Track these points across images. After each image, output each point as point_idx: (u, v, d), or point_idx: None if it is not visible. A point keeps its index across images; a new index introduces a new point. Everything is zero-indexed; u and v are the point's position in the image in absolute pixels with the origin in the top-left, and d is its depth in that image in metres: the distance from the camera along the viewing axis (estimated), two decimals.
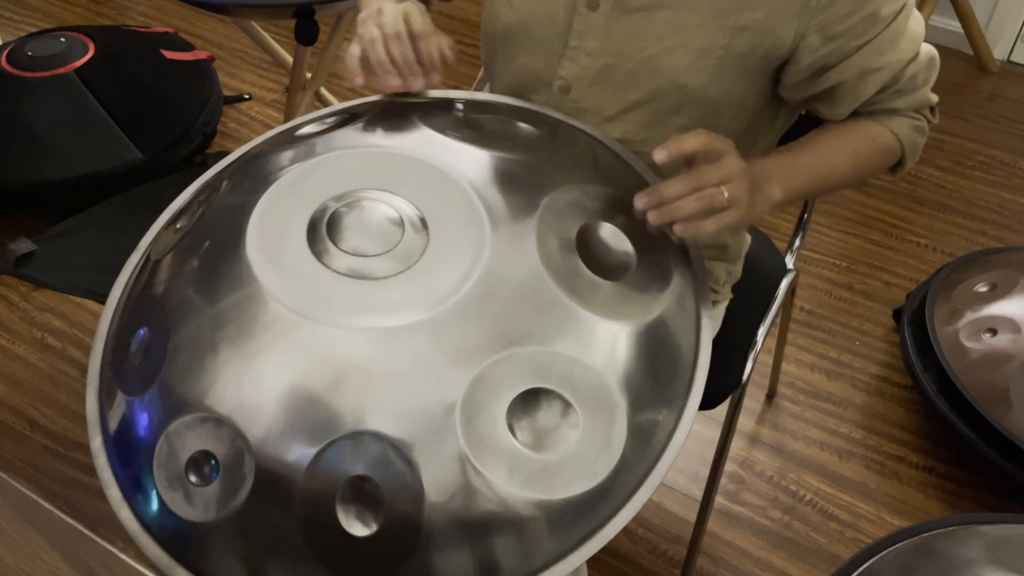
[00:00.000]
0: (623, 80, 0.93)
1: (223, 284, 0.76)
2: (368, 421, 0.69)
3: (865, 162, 0.97)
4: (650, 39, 0.90)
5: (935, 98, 0.99)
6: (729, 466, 1.61)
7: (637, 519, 1.52)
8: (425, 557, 0.69)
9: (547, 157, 0.88)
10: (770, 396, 1.74)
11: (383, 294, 0.74)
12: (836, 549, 1.49)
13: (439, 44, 0.92)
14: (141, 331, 0.79)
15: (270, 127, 0.95)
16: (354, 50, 0.91)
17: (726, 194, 0.80)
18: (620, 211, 0.84)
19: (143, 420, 0.76)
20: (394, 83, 0.91)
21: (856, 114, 0.97)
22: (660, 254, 0.83)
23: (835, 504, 1.56)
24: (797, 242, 1.38)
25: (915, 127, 0.98)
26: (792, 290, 1.38)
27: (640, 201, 0.80)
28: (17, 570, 0.74)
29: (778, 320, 1.54)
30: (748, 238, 1.20)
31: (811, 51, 0.89)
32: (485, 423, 0.70)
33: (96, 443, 0.80)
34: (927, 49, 0.95)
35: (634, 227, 0.83)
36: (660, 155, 0.80)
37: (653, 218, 0.80)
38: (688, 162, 0.84)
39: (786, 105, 1.00)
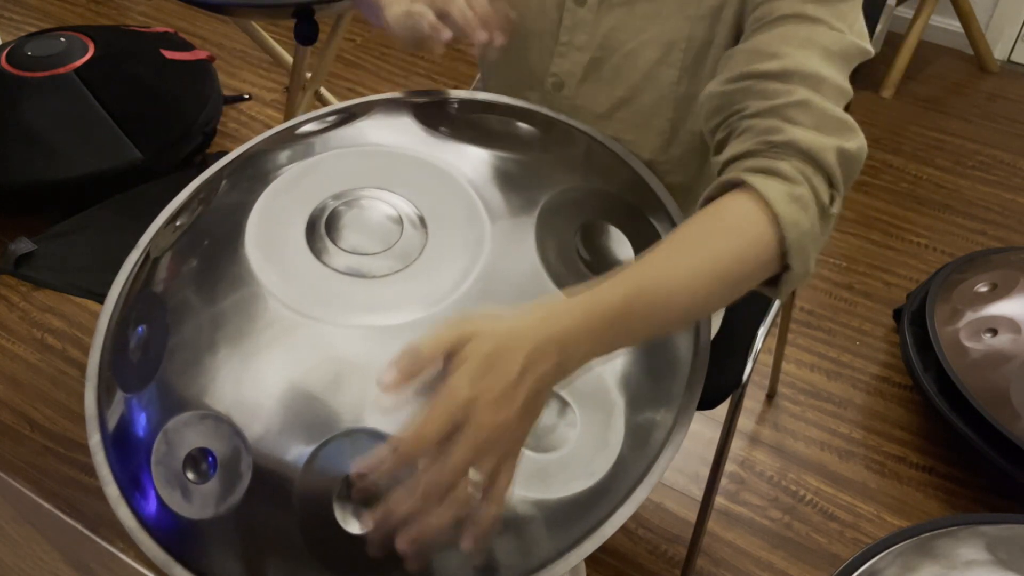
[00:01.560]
0: (610, 75, 0.94)
1: (222, 282, 0.76)
2: (366, 419, 0.69)
3: (724, 268, 0.68)
4: (631, 32, 0.91)
5: (840, 178, 0.73)
6: (729, 466, 1.61)
7: (637, 519, 1.52)
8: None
9: (546, 156, 0.88)
10: (770, 396, 1.74)
11: (382, 292, 0.74)
12: (836, 549, 1.49)
13: (502, 6, 0.88)
14: (140, 328, 0.79)
15: (270, 127, 0.95)
16: (421, 9, 0.86)
17: (477, 477, 0.58)
18: (618, 210, 0.84)
19: (141, 417, 0.76)
20: (483, 37, 0.86)
21: (728, 171, 0.75)
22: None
23: (835, 504, 1.56)
24: None
25: (793, 195, 0.70)
26: (792, 290, 1.38)
27: (369, 522, 0.59)
28: (17, 570, 0.74)
29: (778, 320, 1.54)
30: None
31: (745, 35, 0.82)
32: None
33: (94, 440, 0.80)
34: (848, 116, 0.76)
35: (632, 226, 0.83)
36: (386, 381, 0.59)
37: (403, 547, 0.58)
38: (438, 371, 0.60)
39: None
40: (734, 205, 0.71)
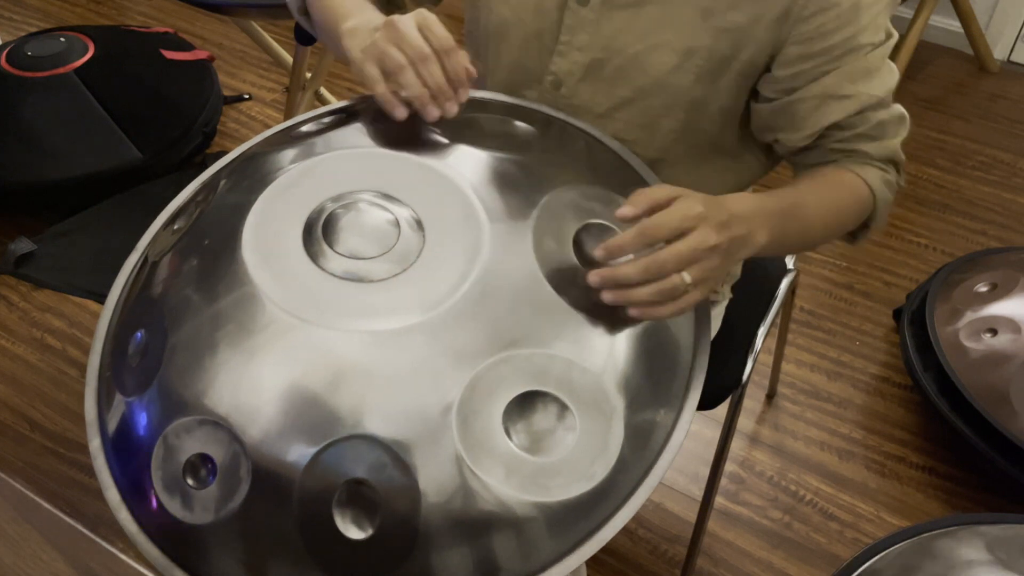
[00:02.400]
0: (612, 76, 0.94)
1: (219, 286, 0.76)
2: (365, 424, 0.69)
3: (843, 213, 0.92)
4: (637, 35, 0.91)
5: (903, 157, 0.96)
6: (729, 466, 1.61)
7: (637, 519, 1.52)
8: (422, 559, 0.69)
9: (545, 156, 0.88)
10: (770, 396, 1.74)
11: (380, 296, 0.74)
12: (836, 549, 1.49)
13: (463, 59, 0.82)
14: (139, 332, 0.79)
15: (270, 127, 0.95)
16: (373, 73, 0.81)
17: (688, 279, 0.72)
18: (617, 210, 0.83)
19: (141, 421, 0.76)
20: (434, 115, 0.82)
21: (826, 160, 0.94)
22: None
23: (835, 504, 1.56)
24: None
25: (885, 180, 0.94)
26: (792, 290, 1.38)
27: (595, 278, 0.73)
28: (17, 570, 0.74)
29: (778, 320, 1.54)
30: None
31: (787, 63, 0.88)
32: (482, 425, 0.70)
33: (95, 444, 0.80)
34: (899, 108, 0.94)
35: (631, 226, 0.82)
36: (625, 210, 0.73)
37: (607, 298, 0.74)
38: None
39: (754, 126, 0.98)
40: (846, 176, 0.93)
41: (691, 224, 0.72)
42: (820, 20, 0.85)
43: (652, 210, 0.73)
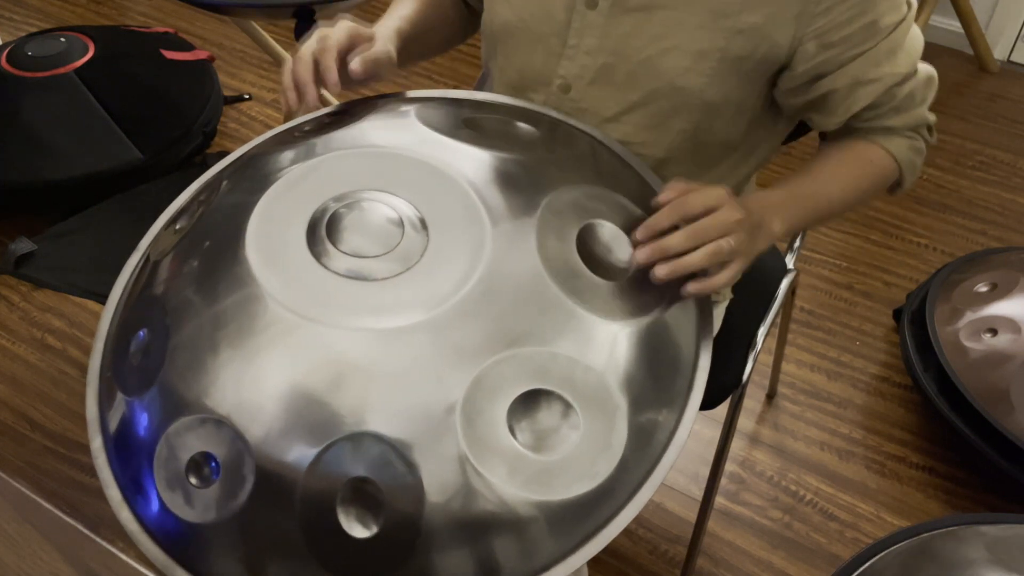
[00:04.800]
0: (622, 80, 0.93)
1: (222, 285, 0.76)
2: (368, 422, 0.69)
3: (864, 187, 0.97)
4: (648, 39, 0.90)
5: (932, 117, 0.98)
6: (729, 466, 1.61)
7: (637, 519, 1.52)
8: (425, 558, 0.69)
9: (548, 157, 0.88)
10: (770, 396, 1.74)
11: (383, 295, 0.74)
12: (836, 549, 1.49)
13: (331, 61, 0.88)
14: (141, 332, 0.79)
15: (270, 127, 0.95)
16: (289, 92, 0.91)
17: (732, 243, 0.79)
18: (620, 212, 0.84)
19: (143, 421, 0.76)
20: (291, 99, 0.89)
21: (852, 132, 0.97)
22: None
23: (835, 504, 1.56)
24: (797, 242, 1.38)
25: (912, 147, 0.97)
26: (792, 290, 1.38)
27: (642, 253, 0.78)
28: (17, 570, 0.74)
29: (778, 320, 1.54)
30: None
31: (807, 58, 0.88)
32: (485, 424, 0.70)
33: (96, 444, 0.80)
34: (925, 68, 0.95)
35: (634, 227, 0.83)
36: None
37: (662, 272, 0.78)
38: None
39: (783, 110, 0.99)
40: (869, 149, 0.96)
41: (717, 202, 0.80)
42: (836, 12, 0.85)
43: (684, 194, 0.81)
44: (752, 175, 1.07)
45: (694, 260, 0.78)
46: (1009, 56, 2.76)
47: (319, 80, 0.89)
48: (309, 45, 0.90)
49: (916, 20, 0.93)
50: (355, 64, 0.89)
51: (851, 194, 0.96)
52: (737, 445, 1.64)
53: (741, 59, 0.89)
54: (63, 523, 0.77)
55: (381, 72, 0.92)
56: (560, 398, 0.72)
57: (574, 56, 0.94)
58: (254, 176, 0.85)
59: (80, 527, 0.77)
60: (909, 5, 0.90)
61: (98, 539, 0.76)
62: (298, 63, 0.89)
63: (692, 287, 0.79)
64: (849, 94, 0.91)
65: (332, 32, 0.91)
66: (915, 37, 0.92)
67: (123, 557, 0.75)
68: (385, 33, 0.96)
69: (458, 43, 1.15)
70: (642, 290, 0.80)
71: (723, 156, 1.00)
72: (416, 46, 1.02)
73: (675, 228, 0.80)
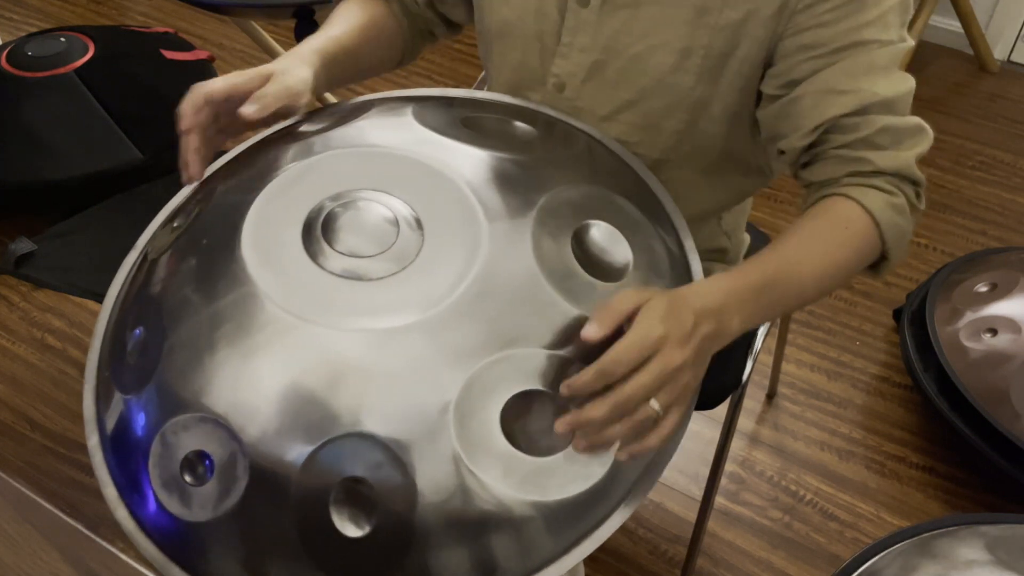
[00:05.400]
0: (614, 78, 0.93)
1: (218, 284, 0.76)
2: (363, 422, 0.69)
3: (841, 260, 0.84)
4: (636, 36, 0.90)
5: (922, 177, 0.87)
6: (729, 466, 1.61)
7: (637, 519, 1.52)
8: (420, 558, 0.69)
9: (544, 157, 0.88)
10: (770, 396, 1.74)
11: (378, 295, 0.74)
12: (836, 549, 1.49)
13: (191, 136, 0.85)
14: (137, 330, 0.79)
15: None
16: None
17: (657, 407, 0.69)
18: (616, 211, 0.84)
19: (139, 419, 0.76)
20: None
21: (827, 187, 0.88)
22: (656, 255, 0.83)
23: (835, 504, 1.56)
24: None
25: (892, 204, 0.85)
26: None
27: (562, 427, 0.69)
28: (17, 570, 0.74)
29: (778, 320, 1.54)
30: (747, 238, 1.20)
31: (785, 56, 0.86)
32: (479, 424, 0.70)
33: (93, 441, 0.80)
34: (917, 119, 0.87)
35: (630, 227, 0.83)
36: (591, 331, 0.69)
37: (581, 447, 0.71)
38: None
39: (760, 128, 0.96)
40: (844, 210, 0.85)
41: (651, 350, 0.68)
42: (818, 10, 0.83)
43: (619, 324, 0.70)
44: (751, 193, 1.07)
45: (615, 434, 0.69)
46: (1009, 56, 2.76)
47: (202, 154, 0.85)
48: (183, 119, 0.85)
49: (916, 20, 0.92)
50: (246, 108, 0.84)
51: (828, 270, 0.83)
52: (737, 445, 1.64)
53: (725, 55, 0.89)
54: (63, 523, 0.77)
55: (294, 102, 0.87)
56: (554, 399, 0.72)
57: (568, 54, 0.95)
58: (251, 175, 0.85)
59: (80, 527, 0.77)
60: (902, 38, 0.86)
61: (98, 539, 0.76)
62: (181, 141, 0.85)
63: (621, 455, 0.71)
64: (818, 102, 0.85)
65: (203, 92, 0.86)
66: (905, 77, 0.87)
67: (123, 557, 0.75)
68: (298, 58, 0.91)
69: (394, 66, 1.10)
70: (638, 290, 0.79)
71: (721, 164, 0.99)
72: (345, 67, 0.98)
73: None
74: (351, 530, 0.69)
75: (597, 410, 0.68)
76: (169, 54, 2.24)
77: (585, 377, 0.68)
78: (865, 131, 0.85)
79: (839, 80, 0.84)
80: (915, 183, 0.88)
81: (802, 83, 0.86)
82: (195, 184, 0.91)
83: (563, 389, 0.69)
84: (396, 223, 0.78)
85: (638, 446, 0.70)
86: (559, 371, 0.72)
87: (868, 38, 0.83)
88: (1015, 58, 2.75)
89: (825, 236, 0.84)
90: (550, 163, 0.87)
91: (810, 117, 0.86)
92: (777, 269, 0.80)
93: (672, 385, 0.70)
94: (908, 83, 0.87)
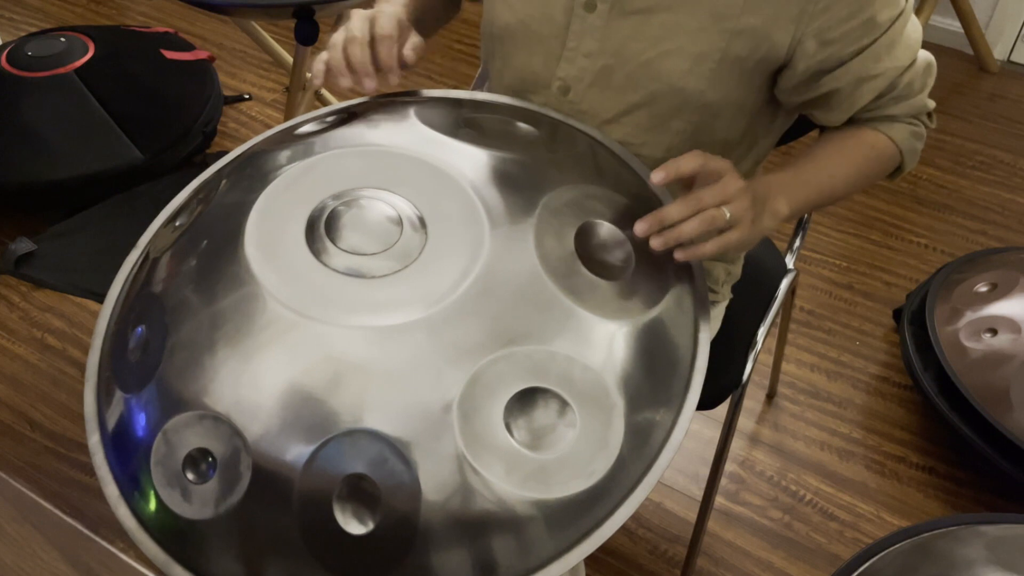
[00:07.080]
0: (621, 82, 0.93)
1: (221, 282, 0.76)
2: (366, 419, 0.69)
3: (866, 171, 0.98)
4: (648, 42, 0.90)
5: (932, 104, 0.99)
6: (729, 466, 1.61)
7: (637, 519, 1.52)
8: (422, 555, 0.69)
9: (546, 157, 0.88)
10: (770, 396, 1.74)
11: (381, 293, 0.74)
12: (836, 549, 1.49)
13: (392, 48, 0.91)
14: (139, 328, 0.79)
15: (270, 127, 0.95)
16: (323, 55, 0.92)
17: (728, 214, 0.79)
18: (619, 211, 0.84)
19: (141, 417, 0.76)
20: (344, 83, 0.91)
21: (853, 120, 0.97)
22: (658, 254, 0.83)
23: (835, 504, 1.56)
24: (797, 242, 1.38)
25: (913, 133, 0.98)
26: (792, 290, 1.38)
27: (641, 226, 0.79)
28: (17, 570, 0.74)
29: (778, 320, 1.54)
30: None
31: (807, 56, 0.89)
32: (482, 422, 0.70)
33: (94, 440, 0.80)
34: (924, 55, 0.95)
35: (632, 227, 0.83)
36: (658, 176, 0.79)
37: (656, 244, 0.79)
38: (687, 184, 0.84)
39: (784, 106, 1.00)
40: (870, 137, 0.97)
41: (720, 168, 0.80)
42: (835, 10, 0.86)
43: (681, 178, 0.81)
44: (751, 171, 1.07)
45: (688, 230, 0.78)
46: (1009, 56, 2.76)
47: (377, 64, 0.90)
48: (359, 27, 0.90)
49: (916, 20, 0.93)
50: (408, 52, 0.92)
51: (854, 178, 0.97)
52: (737, 445, 1.64)
53: (741, 60, 0.89)
54: (63, 523, 0.77)
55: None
56: (557, 396, 0.72)
57: (573, 59, 0.95)
58: (253, 174, 0.85)
59: (80, 527, 0.77)
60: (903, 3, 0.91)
61: (98, 539, 0.76)
62: (352, 45, 0.90)
63: (678, 254, 0.80)
64: (853, 91, 0.92)
65: (379, 18, 0.91)
66: (913, 28, 0.93)
67: (123, 557, 0.75)
68: (399, 4, 0.97)
69: (443, 25, 1.17)
70: (640, 289, 0.80)
71: (722, 153, 0.99)
72: (418, 31, 1.03)
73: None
74: (354, 527, 0.69)
75: (675, 208, 0.79)
76: (169, 54, 2.24)
77: (669, 209, 0.79)
78: (891, 93, 0.94)
79: (867, 67, 0.90)
80: (929, 112, 1.00)
81: (830, 74, 0.91)
82: (197, 183, 0.91)
83: (638, 226, 0.79)
84: (399, 221, 0.78)
85: (697, 248, 0.80)
86: (561, 370, 0.72)
87: (881, 20, 0.88)
88: (1015, 58, 2.76)
89: (854, 151, 0.97)
90: (552, 164, 0.87)
91: (847, 104, 0.94)
92: (816, 170, 0.95)
93: (737, 202, 0.80)
94: (918, 33, 0.94)
